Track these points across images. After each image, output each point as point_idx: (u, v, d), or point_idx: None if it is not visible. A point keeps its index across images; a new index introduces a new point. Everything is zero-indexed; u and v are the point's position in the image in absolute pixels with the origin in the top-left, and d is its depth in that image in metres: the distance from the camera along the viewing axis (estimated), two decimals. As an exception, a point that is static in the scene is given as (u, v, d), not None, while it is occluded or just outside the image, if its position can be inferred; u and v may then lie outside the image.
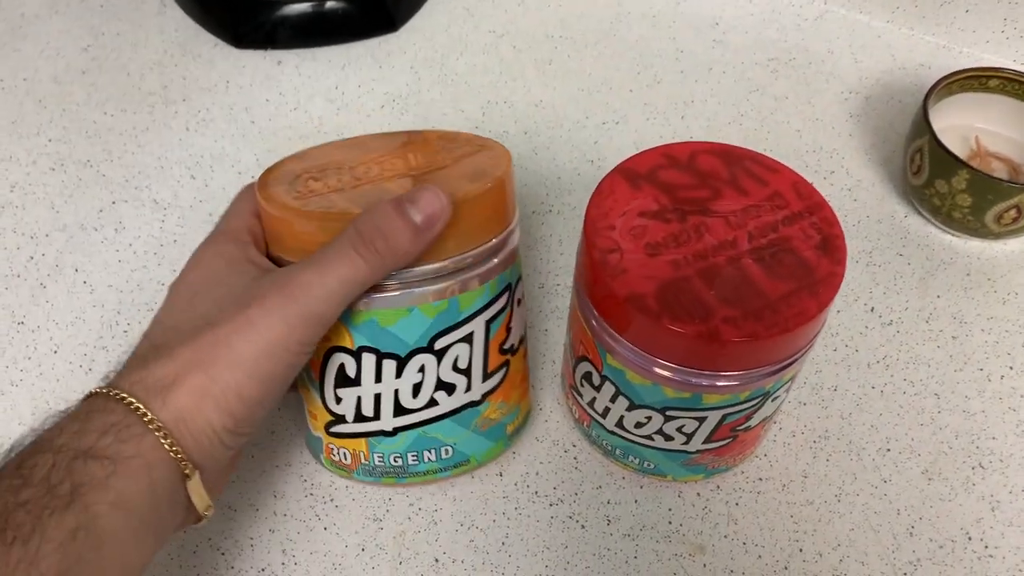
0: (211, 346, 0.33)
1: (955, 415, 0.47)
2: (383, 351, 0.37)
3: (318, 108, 0.59)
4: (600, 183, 0.38)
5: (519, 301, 0.40)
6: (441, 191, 0.34)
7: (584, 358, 0.40)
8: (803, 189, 0.38)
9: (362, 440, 0.40)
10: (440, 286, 0.36)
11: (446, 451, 0.41)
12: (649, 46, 0.64)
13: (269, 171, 0.38)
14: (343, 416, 0.39)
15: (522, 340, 0.41)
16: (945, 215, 0.52)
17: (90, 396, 0.33)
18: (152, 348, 0.34)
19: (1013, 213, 0.50)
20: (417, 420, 0.39)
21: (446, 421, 0.40)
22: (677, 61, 0.63)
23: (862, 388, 0.47)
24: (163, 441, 0.32)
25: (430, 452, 0.40)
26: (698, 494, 0.44)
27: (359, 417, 0.39)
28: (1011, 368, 0.48)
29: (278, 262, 0.37)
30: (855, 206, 0.55)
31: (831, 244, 0.36)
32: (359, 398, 0.38)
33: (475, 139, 0.40)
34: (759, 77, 0.63)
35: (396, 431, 0.39)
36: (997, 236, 0.52)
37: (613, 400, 0.40)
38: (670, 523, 0.43)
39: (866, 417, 0.46)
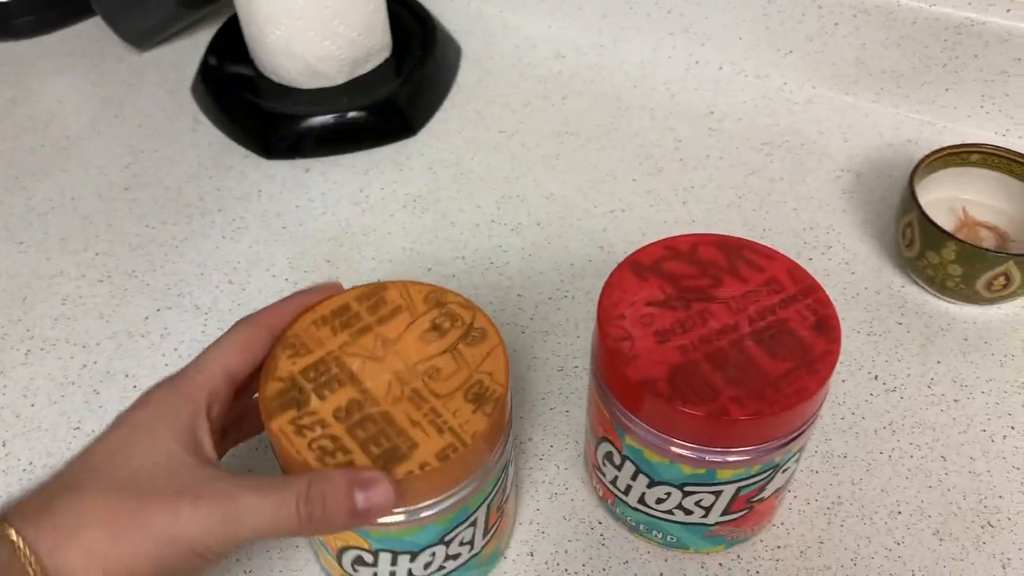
0: (129, 514, 0.32)
1: (962, 476, 0.49)
2: (399, 551, 0.39)
3: (345, 211, 0.64)
4: (610, 276, 0.42)
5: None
6: (391, 488, 0.35)
7: (604, 439, 0.43)
8: (797, 274, 0.41)
9: None
10: (450, 503, 0.38)
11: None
12: (649, 137, 0.69)
13: (266, 381, 0.39)
14: None
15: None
16: (939, 284, 0.55)
17: None
18: (63, 487, 0.33)
19: (1003, 280, 0.53)
20: None
21: (453, 574, 0.43)
22: (676, 150, 0.67)
23: (870, 454, 0.50)
24: None
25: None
26: (720, 564, 0.46)
27: None
28: (1012, 428, 0.51)
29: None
30: (853, 279, 0.59)
31: (826, 324, 0.39)
32: (375, 574, 0.41)
33: (461, 304, 0.42)
34: (754, 161, 0.67)
35: None
36: (990, 301, 0.55)
37: (634, 478, 0.42)
38: (695, 593, 0.45)
39: (876, 482, 0.49)
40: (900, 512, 0.48)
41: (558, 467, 0.50)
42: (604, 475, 0.45)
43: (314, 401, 0.38)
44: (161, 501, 0.32)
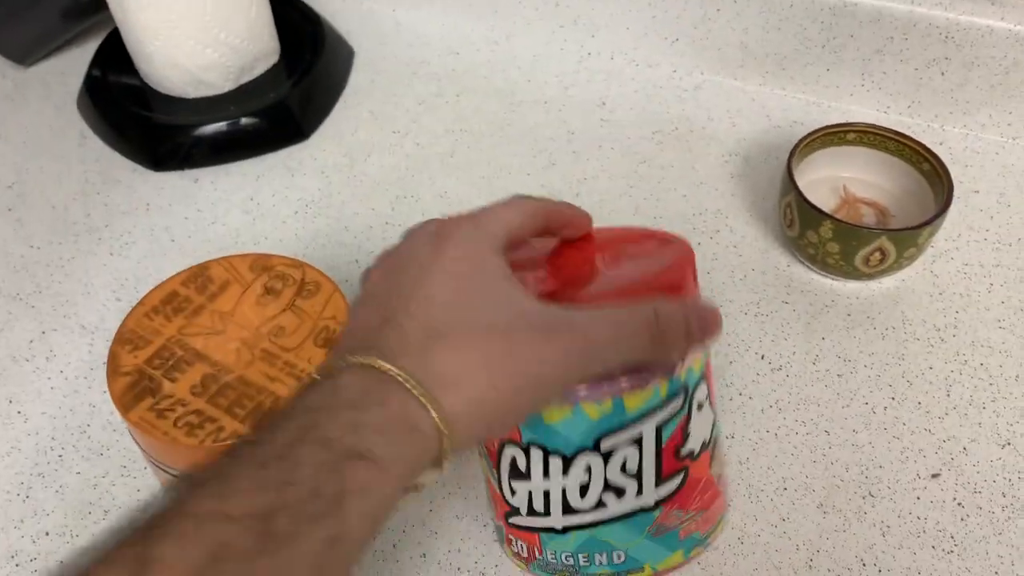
0: (502, 358, 0.30)
1: (845, 449, 0.50)
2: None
3: (235, 220, 0.63)
4: None
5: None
6: (717, 310, 0.36)
7: (502, 447, 0.39)
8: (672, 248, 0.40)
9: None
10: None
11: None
12: (543, 131, 0.69)
13: (113, 378, 0.40)
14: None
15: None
16: (821, 262, 0.57)
17: (366, 369, 0.30)
18: (428, 332, 0.31)
19: (879, 255, 0.54)
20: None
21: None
22: (569, 143, 0.68)
23: (757, 432, 0.51)
24: (443, 446, 0.29)
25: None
26: None
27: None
28: (893, 399, 0.52)
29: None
30: (740, 261, 0.60)
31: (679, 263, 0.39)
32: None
33: (288, 264, 0.43)
34: (645, 149, 0.67)
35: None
36: (870, 276, 0.56)
37: (546, 473, 0.38)
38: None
39: (763, 460, 0.50)
40: (786, 488, 0.49)
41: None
42: (518, 510, 0.40)
43: (167, 385, 0.39)
44: (525, 342, 0.31)
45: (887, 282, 0.58)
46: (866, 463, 0.50)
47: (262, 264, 0.43)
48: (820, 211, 0.54)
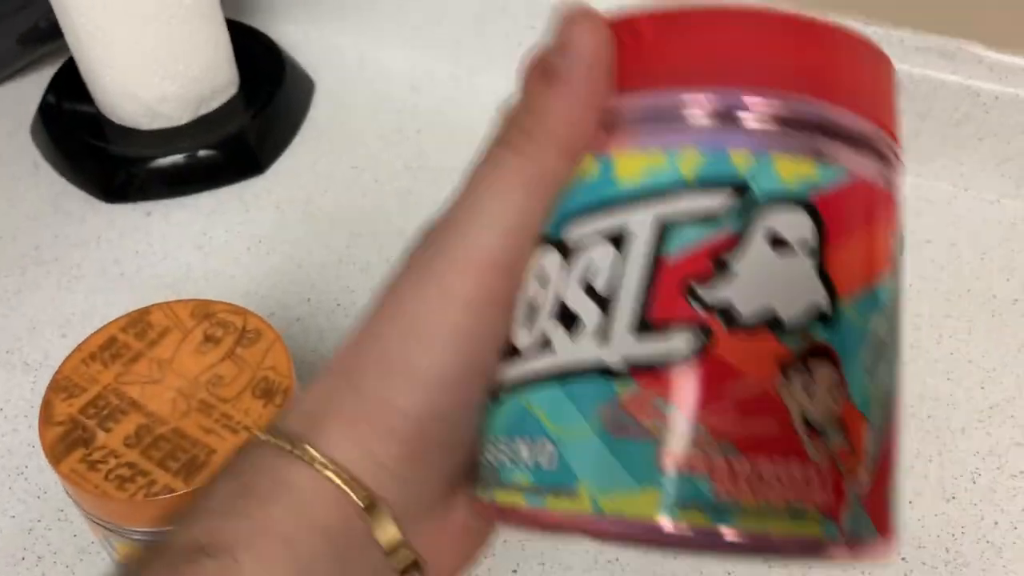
0: (355, 352, 0.24)
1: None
2: None
3: (186, 255, 0.62)
4: None
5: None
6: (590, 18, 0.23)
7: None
8: None
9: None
10: None
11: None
12: (501, 169, 0.69)
13: (45, 428, 0.39)
14: None
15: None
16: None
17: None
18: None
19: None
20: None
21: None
22: (527, 182, 0.68)
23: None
24: (331, 477, 0.23)
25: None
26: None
27: None
28: (840, 450, 0.52)
29: None
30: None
31: None
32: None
33: (230, 311, 0.43)
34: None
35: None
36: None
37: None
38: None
39: (709, 512, 0.50)
40: (732, 541, 0.49)
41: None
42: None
43: (100, 436, 0.38)
44: (383, 306, 0.25)
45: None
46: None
47: (204, 310, 0.43)
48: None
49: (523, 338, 0.24)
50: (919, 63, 0.62)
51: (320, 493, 0.23)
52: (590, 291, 0.22)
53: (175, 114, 0.67)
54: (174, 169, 0.66)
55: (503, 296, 0.24)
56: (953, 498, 0.50)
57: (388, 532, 0.24)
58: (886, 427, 0.23)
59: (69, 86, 0.70)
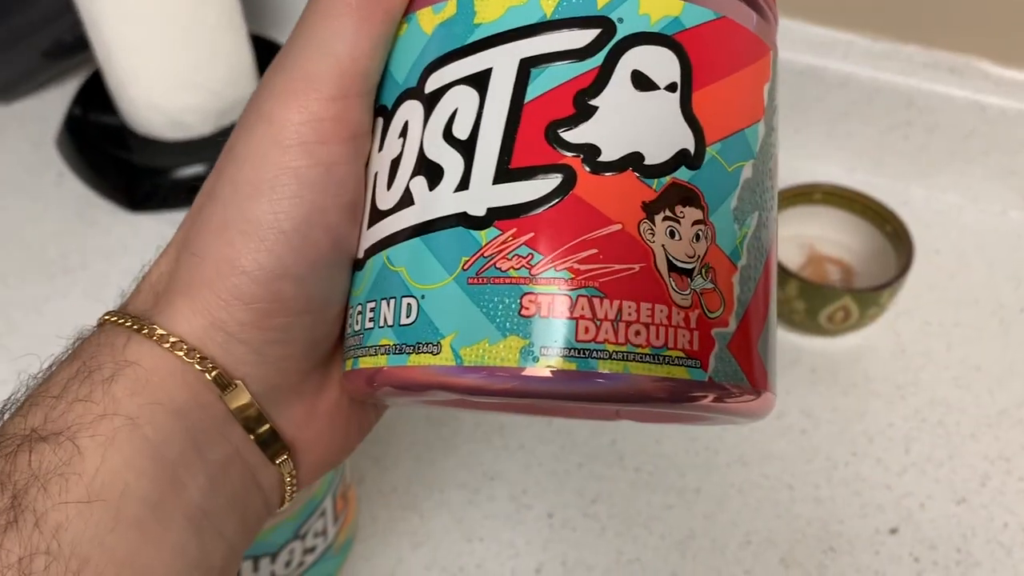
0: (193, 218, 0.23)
1: (807, 504, 0.51)
2: (259, 554, 0.32)
3: (212, 264, 0.63)
4: None
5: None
6: None
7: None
8: None
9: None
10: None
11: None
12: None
13: None
14: None
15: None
16: (787, 319, 0.58)
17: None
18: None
19: (842, 313, 0.56)
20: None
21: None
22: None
23: (721, 488, 0.52)
24: (176, 352, 0.22)
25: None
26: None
27: None
28: (854, 455, 0.54)
29: None
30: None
31: None
32: None
33: None
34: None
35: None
36: (834, 334, 0.58)
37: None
38: None
39: (727, 515, 0.51)
40: (750, 542, 0.50)
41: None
42: None
43: None
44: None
45: (850, 339, 0.60)
46: (827, 518, 0.51)
47: None
48: (787, 270, 0.56)
49: (386, 199, 0.22)
50: (928, 78, 0.64)
51: (166, 370, 0.22)
52: (451, 139, 0.21)
53: (198, 125, 0.68)
54: (197, 179, 0.68)
55: (338, 133, 0.22)
56: (964, 501, 0.52)
57: (242, 406, 0.22)
58: (756, 275, 0.23)
59: (95, 98, 0.72)
